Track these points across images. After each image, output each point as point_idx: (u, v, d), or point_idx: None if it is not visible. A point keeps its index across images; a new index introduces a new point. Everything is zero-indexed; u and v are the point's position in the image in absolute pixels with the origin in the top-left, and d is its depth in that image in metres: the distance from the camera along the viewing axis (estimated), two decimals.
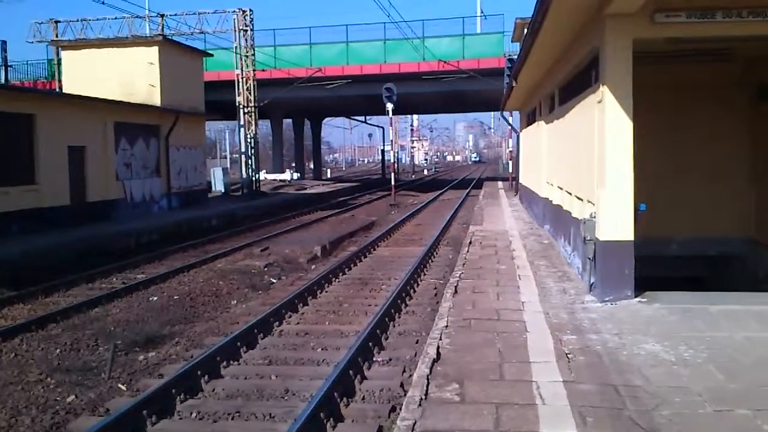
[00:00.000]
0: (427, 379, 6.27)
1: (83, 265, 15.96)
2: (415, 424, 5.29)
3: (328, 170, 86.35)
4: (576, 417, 5.31)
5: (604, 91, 9.06)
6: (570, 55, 12.21)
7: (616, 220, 9.08)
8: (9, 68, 40.67)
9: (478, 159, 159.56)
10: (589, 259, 9.65)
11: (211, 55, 35.05)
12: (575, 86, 12.11)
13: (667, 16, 8.79)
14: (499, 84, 32.22)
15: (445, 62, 36.41)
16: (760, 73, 13.20)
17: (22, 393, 7.98)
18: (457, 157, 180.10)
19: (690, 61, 12.94)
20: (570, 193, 12.78)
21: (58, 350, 9.66)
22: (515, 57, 26.07)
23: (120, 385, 8.18)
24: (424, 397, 5.85)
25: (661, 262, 13.04)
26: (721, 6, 8.66)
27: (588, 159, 10.36)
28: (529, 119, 24.18)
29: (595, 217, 9.48)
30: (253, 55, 36.37)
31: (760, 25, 8.71)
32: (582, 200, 11.23)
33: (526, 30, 17.33)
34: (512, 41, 34.65)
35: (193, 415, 7.05)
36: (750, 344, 7.15)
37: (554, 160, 15.91)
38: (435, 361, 6.82)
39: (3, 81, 38.91)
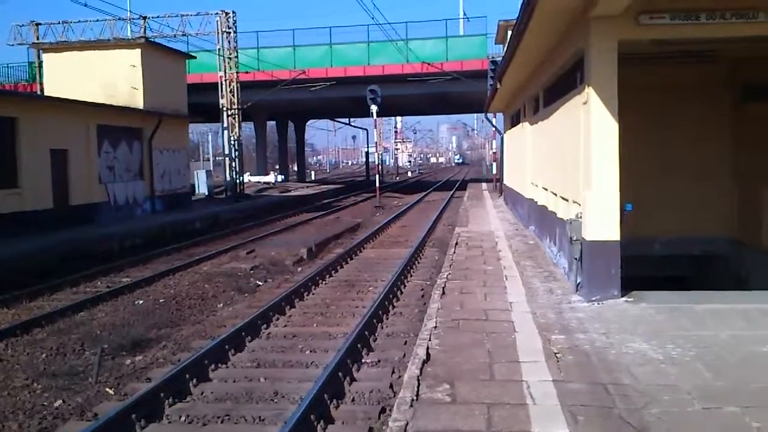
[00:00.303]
0: (418, 380, 6.28)
1: (67, 269, 15.84)
2: (407, 425, 5.29)
3: (312, 172, 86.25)
4: (567, 416, 5.34)
5: (589, 93, 9.13)
6: (555, 56, 12.28)
7: (603, 221, 9.14)
8: None
9: (461, 161, 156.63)
10: (576, 259, 9.71)
11: (194, 58, 34.88)
12: (560, 88, 12.18)
13: (651, 18, 8.87)
14: (483, 86, 32.34)
15: (428, 64, 36.51)
16: (744, 73, 13.35)
17: (9, 398, 7.90)
18: (441, 159, 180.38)
19: (675, 62, 13.07)
20: (555, 194, 12.85)
21: (44, 355, 9.57)
22: (498, 59, 26.18)
23: (107, 390, 8.12)
24: (415, 397, 5.86)
25: (646, 262, 13.15)
26: (705, 8, 8.75)
27: (573, 160, 10.43)
28: (513, 121, 24.28)
29: (581, 217, 9.54)
30: (237, 57, 36.27)
31: (743, 27, 8.82)
32: (567, 201, 11.30)
33: (509, 32, 17.43)
34: (495, 43, 34.84)
35: (183, 418, 7.02)
36: (736, 342, 7.22)
37: (539, 162, 15.99)
38: (425, 361, 6.84)
39: None
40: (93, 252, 18.41)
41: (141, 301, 13.01)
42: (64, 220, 22.17)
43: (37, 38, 35.38)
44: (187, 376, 7.89)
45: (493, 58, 31.74)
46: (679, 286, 11.54)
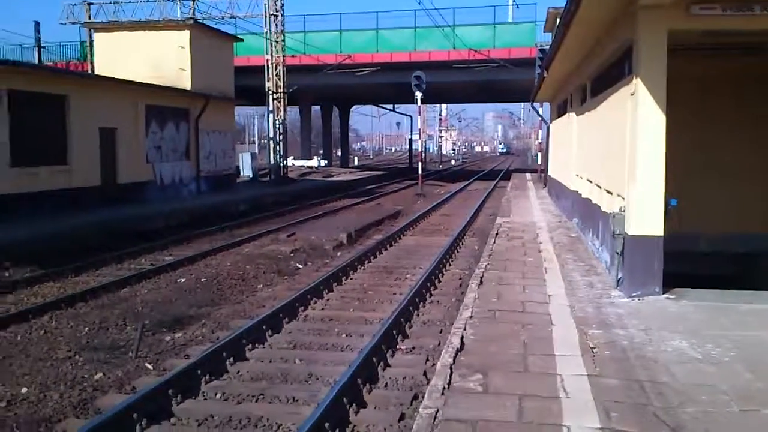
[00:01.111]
0: (451, 369, 6.28)
1: (113, 246, 16.18)
2: (437, 412, 5.30)
3: (355, 158, 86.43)
4: (600, 411, 5.29)
5: (637, 84, 8.95)
6: (603, 46, 12.07)
7: (646, 215, 8.99)
8: (42, 49, 41.20)
9: (506, 150, 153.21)
10: (618, 253, 9.57)
11: (242, 40, 35.15)
12: (608, 78, 11.97)
13: (702, 8, 8.64)
14: (530, 74, 31.97)
15: (475, 51, 36.21)
16: None
17: (51, 369, 8.12)
18: (486, 148, 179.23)
19: (723, 55, 12.72)
20: (599, 187, 12.67)
21: (86, 329, 9.81)
22: (547, 47, 25.82)
23: (147, 364, 8.29)
24: (447, 386, 5.86)
25: (689, 259, 12.87)
26: None
27: (619, 152, 10.26)
28: (560, 111, 23.97)
29: (624, 211, 9.39)
30: (283, 40, 36.45)
31: None
32: (611, 194, 11.13)
33: (558, 20, 17.16)
34: (544, 31, 34.30)
35: (218, 395, 7.13)
36: None
37: (584, 153, 15.76)
38: (459, 350, 6.83)
39: (36, 62, 39.41)
40: (138, 230, 18.76)
41: (183, 279, 13.24)
42: (111, 198, 22.66)
43: (89, 17, 36.03)
44: (225, 354, 8.01)
45: (541, 46, 31.37)
46: (723, 284, 11.27)
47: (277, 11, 35.86)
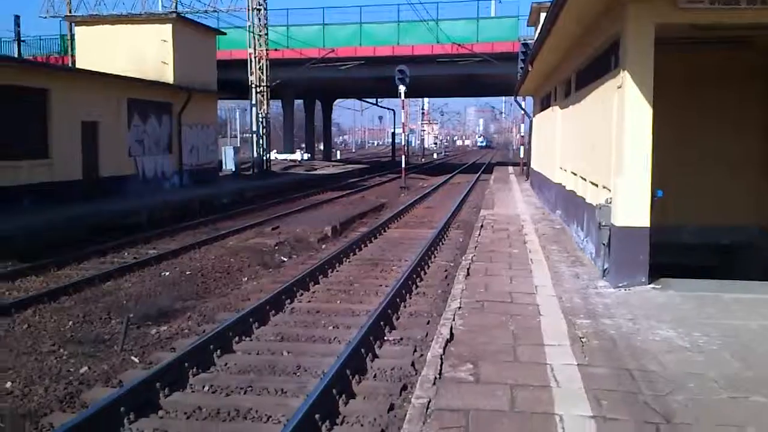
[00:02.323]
0: (441, 359, 6.27)
1: (95, 240, 16.03)
2: (429, 402, 5.29)
3: (338, 152, 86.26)
4: (591, 400, 5.31)
5: (624, 76, 8.98)
6: (589, 39, 12.10)
7: (633, 207, 9.03)
8: (22, 43, 40.69)
9: (485, 144, 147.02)
10: (604, 244, 9.61)
11: (224, 34, 34.90)
12: (594, 71, 12.01)
13: (689, 2, 8.68)
14: (513, 68, 32.04)
15: (459, 45, 36.23)
16: None
17: (36, 363, 8.03)
18: (467, 142, 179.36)
19: (708, 48, 12.81)
20: (584, 179, 12.72)
21: (70, 322, 9.71)
22: (530, 42, 25.90)
23: (133, 358, 8.22)
24: (438, 376, 5.85)
25: (674, 250, 12.96)
26: None
27: (605, 145, 10.30)
28: (543, 104, 24.04)
29: (610, 202, 9.43)
30: (266, 34, 36.24)
31: None
32: (597, 186, 11.18)
33: (543, 14, 17.19)
34: (528, 25, 34.42)
35: (206, 388, 7.09)
36: (765, 332, 7.11)
37: (569, 146, 15.82)
38: (448, 341, 6.82)
39: (16, 55, 38.91)
40: (121, 224, 18.60)
41: (167, 273, 13.14)
42: (93, 192, 22.42)
43: (70, 11, 35.50)
44: (212, 347, 7.96)
45: (524, 40, 31.42)
46: (707, 274, 11.37)
47: (260, 5, 35.63)
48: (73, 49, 33.31)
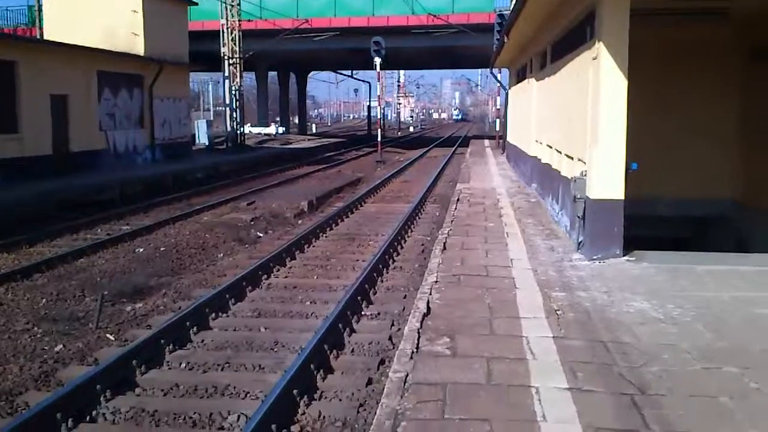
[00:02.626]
0: (418, 333, 6.28)
1: (67, 216, 15.82)
2: (407, 376, 5.31)
3: (314, 125, 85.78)
4: (567, 372, 5.35)
5: (599, 48, 8.97)
6: (565, 10, 12.05)
7: (608, 179, 9.07)
8: None
9: (460, 117, 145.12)
10: (578, 217, 9.67)
11: (196, 4, 34.24)
12: (569, 42, 11.98)
13: None
14: (489, 40, 31.90)
15: (434, 16, 35.97)
16: (754, 33, 13.11)
17: (10, 342, 7.93)
18: (443, 115, 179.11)
19: (683, 20, 12.83)
20: (560, 152, 12.75)
21: (44, 300, 9.59)
22: (506, 13, 25.78)
23: (108, 335, 8.15)
24: (415, 350, 5.87)
25: (648, 222, 13.09)
26: None
27: (580, 117, 10.31)
28: (519, 76, 24.01)
29: (585, 175, 9.47)
30: (239, 4, 35.77)
31: None
32: (572, 159, 11.21)
33: None
34: None
35: (183, 365, 7.05)
36: (736, 303, 7.22)
37: (544, 118, 15.84)
38: (425, 315, 6.84)
39: None
40: (93, 199, 18.38)
41: (141, 249, 13.01)
42: (64, 167, 22.10)
43: None
44: (188, 323, 7.92)
45: (500, 11, 31.27)
46: (681, 247, 11.51)
47: None
48: (41, 20, 32.57)
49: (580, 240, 9.78)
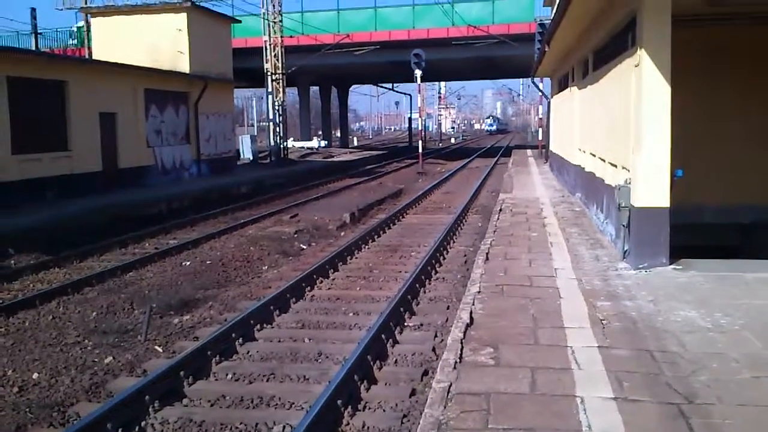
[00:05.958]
0: (461, 343, 6.28)
1: (116, 231, 16.16)
2: (450, 386, 5.31)
3: (355, 138, 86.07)
4: (612, 382, 5.30)
5: (641, 55, 8.88)
6: (606, 17, 11.96)
7: (652, 187, 8.95)
8: (39, 36, 40.91)
9: (494, 128, 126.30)
10: (623, 225, 9.55)
11: (239, 22, 34.91)
12: (611, 50, 11.88)
13: None
14: (530, 50, 31.76)
15: (474, 27, 35.94)
16: None
17: (61, 354, 8.13)
18: (484, 125, 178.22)
19: (728, 24, 12.60)
20: (603, 160, 12.62)
21: (94, 313, 9.82)
22: (546, 22, 25.66)
23: (156, 347, 8.31)
24: (458, 360, 5.87)
25: (695, 230, 12.85)
26: None
27: (623, 124, 10.21)
28: (561, 85, 23.84)
29: (630, 183, 9.37)
30: (281, 21, 36.24)
31: None
32: (616, 167, 11.09)
33: None
34: (543, 5, 34.10)
35: (229, 376, 7.16)
36: None
37: (587, 127, 15.70)
38: (468, 325, 6.83)
39: (34, 48, 39.15)
40: (141, 214, 18.75)
41: (188, 263, 13.24)
42: (113, 183, 22.64)
43: (85, 2, 35.69)
44: (234, 335, 8.03)
45: (540, 20, 31.13)
46: (729, 255, 11.27)
47: None
48: (89, 40, 33.47)
49: (625, 249, 9.66)
